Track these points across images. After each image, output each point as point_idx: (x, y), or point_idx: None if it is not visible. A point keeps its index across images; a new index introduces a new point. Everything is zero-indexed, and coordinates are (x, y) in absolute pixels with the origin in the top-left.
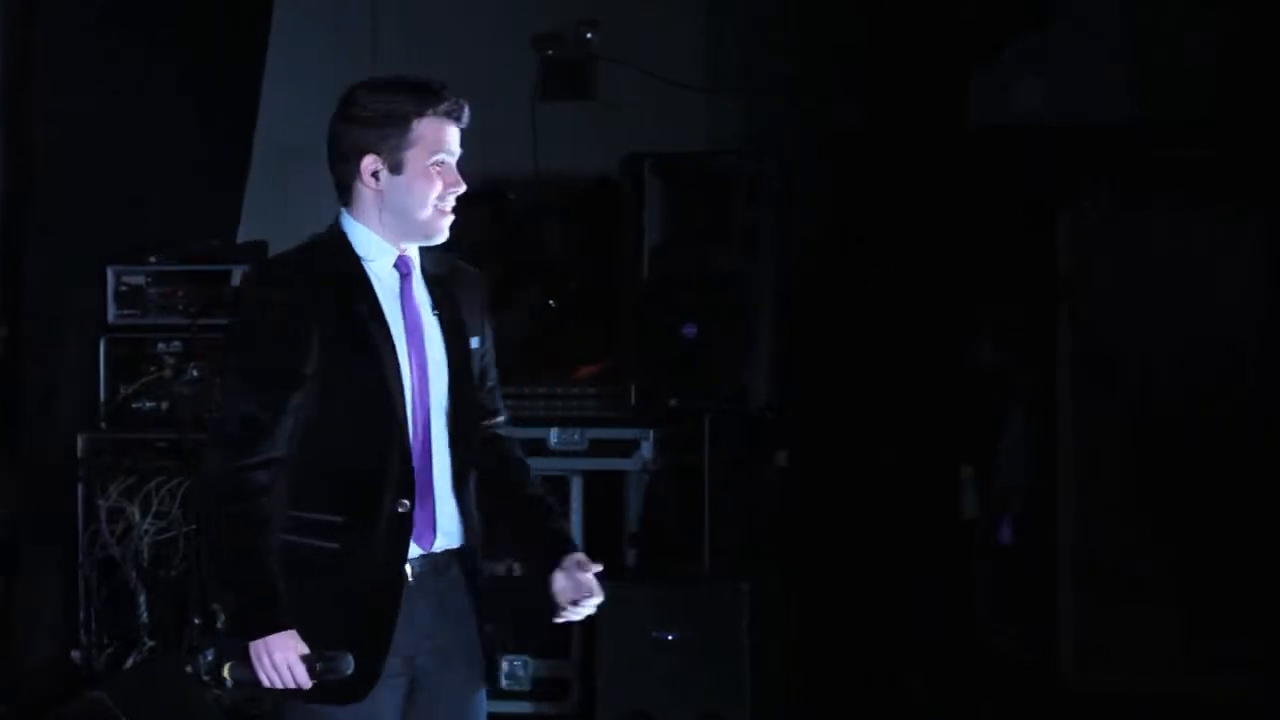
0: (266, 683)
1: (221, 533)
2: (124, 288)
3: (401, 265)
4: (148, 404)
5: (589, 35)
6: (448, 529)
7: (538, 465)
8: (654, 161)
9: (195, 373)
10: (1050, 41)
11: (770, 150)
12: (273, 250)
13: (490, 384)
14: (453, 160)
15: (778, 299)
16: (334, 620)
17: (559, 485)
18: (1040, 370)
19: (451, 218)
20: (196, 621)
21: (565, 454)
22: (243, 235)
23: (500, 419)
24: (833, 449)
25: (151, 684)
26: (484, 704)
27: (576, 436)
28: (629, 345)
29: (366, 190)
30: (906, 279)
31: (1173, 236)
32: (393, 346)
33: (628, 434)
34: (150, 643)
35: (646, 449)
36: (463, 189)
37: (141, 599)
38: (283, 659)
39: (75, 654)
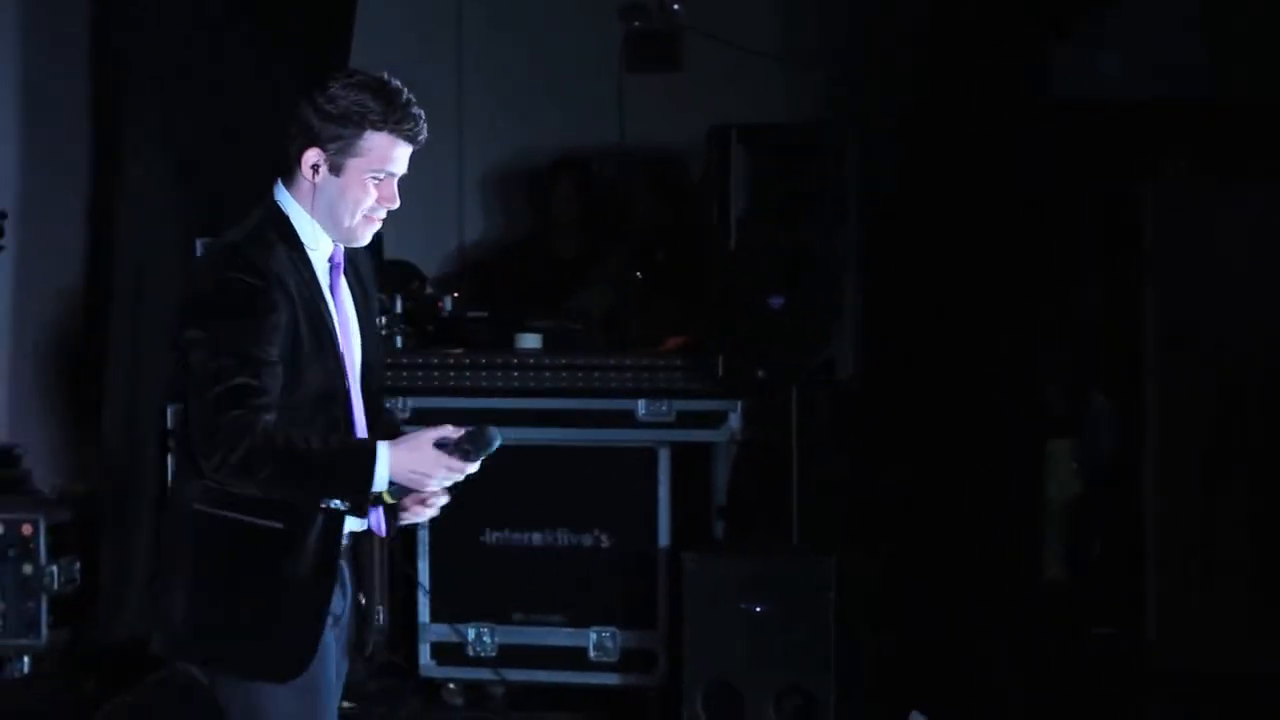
0: (434, 484)
1: (278, 465)
2: None
3: (333, 257)
4: None
5: (675, 6)
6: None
7: (625, 437)
8: (739, 133)
9: None
10: (1130, 13)
11: (853, 120)
12: None
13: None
14: (395, 177)
15: (862, 270)
16: (273, 597)
17: (646, 457)
18: (1124, 346)
19: (377, 226)
20: None
21: (653, 425)
22: None
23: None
24: (918, 421)
25: None
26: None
27: (664, 408)
28: (716, 317)
29: (304, 180)
30: (987, 251)
31: (1257, 210)
32: (336, 337)
33: (715, 405)
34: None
35: (734, 420)
36: (396, 205)
37: None
38: (426, 461)
39: None
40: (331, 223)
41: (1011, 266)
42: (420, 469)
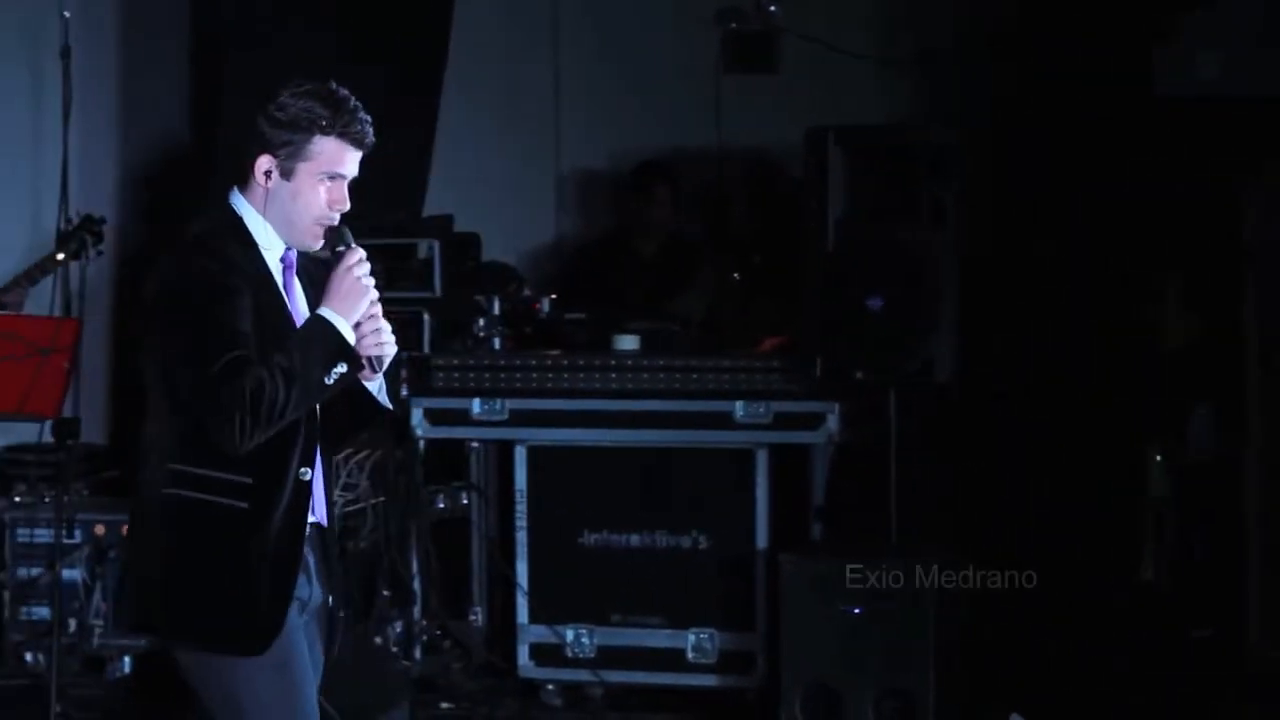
0: (367, 288)
1: (281, 394)
2: None
3: (285, 257)
4: None
5: (771, 8)
6: (319, 502)
7: (723, 438)
8: (837, 134)
9: None
10: (1230, 13)
11: (951, 120)
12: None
13: None
14: (344, 180)
15: (961, 270)
16: (239, 575)
17: (744, 458)
18: (1226, 344)
19: None
20: (385, 593)
21: (751, 427)
22: (429, 209)
23: None
24: (1017, 423)
25: (341, 655)
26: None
27: (762, 409)
28: (814, 318)
29: (258, 186)
30: (1086, 251)
31: None
32: (294, 325)
33: (813, 407)
34: (340, 614)
35: (832, 422)
36: (346, 208)
37: None
38: (343, 285)
39: None
40: (285, 225)
41: (1111, 266)
42: (347, 291)
